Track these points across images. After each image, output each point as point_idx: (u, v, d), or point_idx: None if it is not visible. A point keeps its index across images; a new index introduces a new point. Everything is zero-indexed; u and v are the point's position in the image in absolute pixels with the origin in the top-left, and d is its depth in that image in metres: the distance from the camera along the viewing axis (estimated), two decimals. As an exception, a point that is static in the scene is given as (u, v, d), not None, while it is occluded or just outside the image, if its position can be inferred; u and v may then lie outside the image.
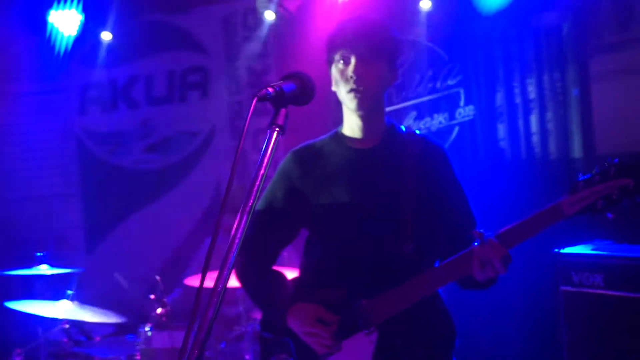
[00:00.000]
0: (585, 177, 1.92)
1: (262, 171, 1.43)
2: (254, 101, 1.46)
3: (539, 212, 1.99)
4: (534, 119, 4.47)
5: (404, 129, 2.37)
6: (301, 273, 2.42)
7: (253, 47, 5.47)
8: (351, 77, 2.15)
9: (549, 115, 4.42)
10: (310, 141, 2.43)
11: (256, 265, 2.37)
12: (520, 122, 4.50)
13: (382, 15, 2.40)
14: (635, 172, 1.86)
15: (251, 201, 1.37)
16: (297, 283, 2.38)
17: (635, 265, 3.03)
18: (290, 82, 1.60)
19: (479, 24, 4.48)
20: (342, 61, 2.18)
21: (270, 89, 1.51)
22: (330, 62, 2.25)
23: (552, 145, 4.43)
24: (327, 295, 2.22)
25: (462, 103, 4.66)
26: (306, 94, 1.63)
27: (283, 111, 1.53)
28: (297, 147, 2.42)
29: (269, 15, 5.16)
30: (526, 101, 4.47)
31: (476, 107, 4.61)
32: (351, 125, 2.29)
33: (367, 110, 2.22)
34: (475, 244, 2.01)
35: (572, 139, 4.38)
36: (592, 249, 3.32)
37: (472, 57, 4.62)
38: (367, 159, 2.28)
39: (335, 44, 2.21)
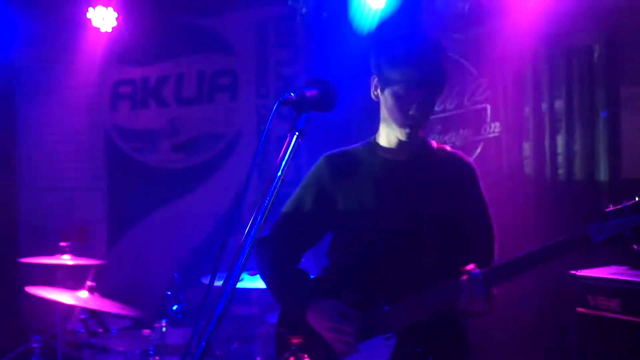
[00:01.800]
0: (616, 207, 1.95)
1: (279, 173, 1.45)
2: (276, 104, 1.50)
3: (565, 238, 2.02)
4: (560, 139, 4.44)
5: (435, 143, 2.46)
6: (323, 274, 2.48)
7: (283, 52, 5.52)
8: (412, 114, 2.22)
9: (576, 136, 4.39)
10: (344, 147, 2.50)
11: (281, 264, 2.43)
12: (547, 142, 4.47)
13: (436, 37, 2.40)
14: None
15: (266, 202, 1.39)
16: (319, 282, 2.45)
17: (652, 291, 2.99)
18: (314, 88, 1.62)
19: (509, 41, 4.47)
20: (403, 91, 2.22)
21: (292, 94, 1.54)
22: (383, 79, 2.29)
23: (577, 167, 4.39)
24: (349, 296, 2.26)
25: (488, 119, 4.64)
26: (328, 101, 1.65)
27: (304, 116, 1.56)
28: (330, 153, 2.49)
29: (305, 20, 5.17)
30: (553, 120, 4.44)
31: (502, 124, 4.59)
32: (388, 138, 2.36)
33: (411, 134, 2.31)
34: (464, 279, 2.06)
35: (597, 161, 4.34)
36: (610, 273, 3.29)
37: (501, 74, 4.61)
38: (399, 170, 2.35)
39: (399, 70, 2.22)
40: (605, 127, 4.30)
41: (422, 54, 2.22)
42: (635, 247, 1.92)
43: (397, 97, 2.23)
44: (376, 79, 2.32)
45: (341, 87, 1.70)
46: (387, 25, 2.25)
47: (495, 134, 4.62)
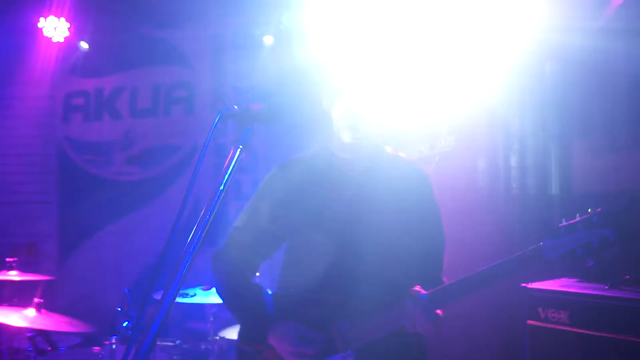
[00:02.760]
0: (568, 222, 1.91)
1: (221, 187, 1.43)
2: (218, 117, 1.47)
3: (518, 254, 1.98)
4: (513, 154, 4.50)
5: (390, 150, 2.43)
6: (280, 288, 2.42)
7: (240, 66, 5.51)
8: (357, 130, 2.22)
9: (529, 151, 4.45)
10: (297, 155, 2.45)
11: (237, 279, 2.37)
12: (501, 156, 4.52)
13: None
14: (617, 223, 1.86)
15: (208, 217, 1.37)
16: (277, 299, 2.37)
17: (599, 303, 3.04)
18: (260, 101, 1.60)
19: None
20: (349, 108, 2.22)
21: (236, 107, 1.52)
22: (332, 92, 2.29)
23: (531, 181, 4.45)
24: (307, 314, 2.23)
25: (443, 134, 4.68)
26: (275, 113, 1.63)
27: (248, 129, 1.54)
28: (283, 162, 2.44)
29: (268, 39, 5.19)
30: (508, 136, 4.51)
31: (456, 139, 4.64)
32: (342, 145, 2.31)
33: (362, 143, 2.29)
34: (408, 302, 2.03)
35: (550, 176, 4.41)
36: (560, 286, 3.34)
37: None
38: (354, 177, 2.32)
39: (343, 92, 2.24)
40: (557, 143, 4.38)
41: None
42: (590, 263, 1.89)
43: (343, 112, 2.23)
44: (326, 90, 2.30)
45: (293, 99, 1.69)
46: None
47: (450, 148, 4.66)
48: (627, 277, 3.20)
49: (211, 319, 3.79)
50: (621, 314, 2.95)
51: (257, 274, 2.47)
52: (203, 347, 3.98)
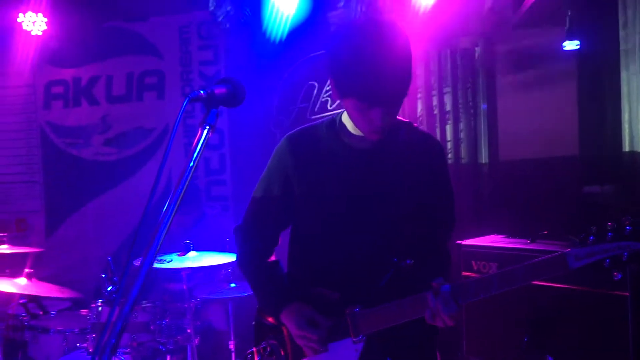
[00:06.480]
0: (596, 232, 1.63)
1: (191, 164, 1.42)
2: (186, 101, 1.44)
3: (539, 260, 1.71)
4: (449, 128, 4.56)
5: (403, 120, 2.09)
6: (292, 267, 2.20)
7: (205, 54, 5.45)
8: (378, 125, 1.86)
9: (462, 125, 4.52)
10: (307, 126, 2.15)
11: (253, 256, 2.18)
12: (437, 130, 4.59)
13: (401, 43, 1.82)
14: None
15: (180, 190, 1.36)
16: (291, 278, 2.16)
17: (522, 255, 3.13)
18: (222, 86, 1.57)
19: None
20: (366, 108, 1.84)
21: (202, 91, 1.50)
22: (341, 89, 1.87)
23: (464, 152, 4.53)
24: (321, 296, 2.03)
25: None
26: (236, 97, 1.59)
27: (214, 111, 1.52)
28: (292, 133, 2.14)
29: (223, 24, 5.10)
30: (442, 112, 4.56)
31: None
32: (354, 127, 2.01)
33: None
34: (430, 295, 1.80)
35: (480, 146, 4.49)
36: (489, 242, 3.43)
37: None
38: (363, 157, 2.02)
39: (359, 89, 1.81)
40: (485, 116, 4.46)
41: (384, 70, 1.77)
42: (618, 276, 1.62)
43: (358, 110, 1.87)
44: (333, 84, 1.90)
45: (256, 85, 1.67)
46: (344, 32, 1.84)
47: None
48: (546, 232, 3.30)
49: (187, 282, 3.77)
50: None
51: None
52: (180, 306, 3.97)
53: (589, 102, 4.03)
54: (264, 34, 4.84)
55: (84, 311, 3.99)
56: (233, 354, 3.95)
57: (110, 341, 1.09)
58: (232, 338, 3.95)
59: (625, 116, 3.33)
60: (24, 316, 4.04)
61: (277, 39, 4.83)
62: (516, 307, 3.07)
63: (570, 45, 3.81)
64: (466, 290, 1.79)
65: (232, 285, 4.06)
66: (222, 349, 4.08)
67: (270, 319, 2.14)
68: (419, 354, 2.06)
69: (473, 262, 3.38)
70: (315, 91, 4.88)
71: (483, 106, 4.46)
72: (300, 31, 4.85)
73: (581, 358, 2.93)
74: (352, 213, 2.01)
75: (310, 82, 4.92)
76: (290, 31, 4.82)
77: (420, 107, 4.62)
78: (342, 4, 4.59)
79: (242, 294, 3.88)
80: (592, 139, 4.00)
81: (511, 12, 4.23)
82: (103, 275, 3.81)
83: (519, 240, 3.36)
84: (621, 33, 3.34)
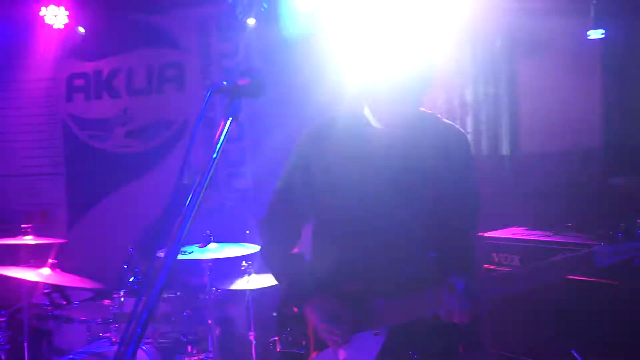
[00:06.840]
0: (625, 229, 1.58)
1: (215, 155, 1.42)
2: (210, 92, 1.44)
3: (567, 256, 1.66)
4: (469, 120, 4.52)
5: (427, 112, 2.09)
6: (315, 259, 2.17)
7: (225, 47, 5.44)
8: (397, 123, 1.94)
9: (483, 116, 4.48)
10: (327, 117, 2.15)
11: (280, 245, 2.18)
12: (458, 122, 4.54)
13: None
14: None
15: (203, 182, 1.36)
16: (315, 270, 2.12)
17: (545, 248, 3.10)
18: (245, 77, 1.57)
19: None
20: (388, 110, 1.94)
21: (225, 82, 1.49)
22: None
23: (485, 143, 4.49)
24: (345, 288, 2.01)
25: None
26: (259, 88, 1.59)
27: (237, 102, 1.51)
28: (313, 125, 2.15)
29: (250, 21, 5.09)
30: (463, 104, 4.52)
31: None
32: (376, 119, 2.02)
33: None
34: (445, 291, 1.79)
35: (501, 137, 4.44)
36: (511, 234, 3.40)
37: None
38: (389, 141, 2.00)
39: (382, 95, 1.91)
40: (506, 108, 4.41)
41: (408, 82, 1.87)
42: None
43: (381, 113, 1.96)
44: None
45: (276, 79, 1.66)
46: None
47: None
48: (569, 225, 3.26)
49: (208, 273, 3.79)
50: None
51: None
52: (201, 297, 3.99)
53: (614, 92, 3.96)
54: (283, 27, 4.81)
55: (106, 301, 4.02)
56: (253, 345, 3.97)
57: (136, 331, 1.09)
58: (252, 329, 3.97)
59: (651, 106, 3.27)
60: (48, 306, 4.10)
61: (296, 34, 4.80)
62: (541, 299, 3.03)
63: (595, 34, 3.74)
64: (481, 286, 1.78)
65: (252, 276, 4.07)
66: (243, 340, 4.09)
67: (294, 309, 2.13)
68: (440, 347, 2.02)
69: (494, 255, 3.35)
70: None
71: (504, 99, 4.40)
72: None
73: (605, 353, 2.89)
74: (376, 205, 1.98)
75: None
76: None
77: (440, 98, 4.58)
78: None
79: (263, 286, 3.89)
80: (617, 129, 3.93)
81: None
82: (125, 266, 3.84)
83: (541, 232, 3.32)
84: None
